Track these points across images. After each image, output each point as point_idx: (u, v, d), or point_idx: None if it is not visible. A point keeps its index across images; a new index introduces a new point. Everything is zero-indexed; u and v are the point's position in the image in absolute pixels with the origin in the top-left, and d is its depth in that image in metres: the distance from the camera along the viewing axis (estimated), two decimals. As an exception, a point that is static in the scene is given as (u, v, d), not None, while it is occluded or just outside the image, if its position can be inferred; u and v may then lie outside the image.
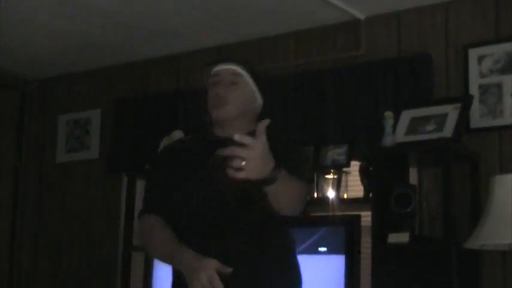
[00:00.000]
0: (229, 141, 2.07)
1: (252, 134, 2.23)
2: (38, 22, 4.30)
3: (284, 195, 2.21)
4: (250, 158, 1.99)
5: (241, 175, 2.00)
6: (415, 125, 3.59)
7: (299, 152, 2.61)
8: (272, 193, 2.17)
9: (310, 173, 2.61)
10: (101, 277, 4.82)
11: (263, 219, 2.34)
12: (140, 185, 4.48)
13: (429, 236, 3.63)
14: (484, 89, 3.66)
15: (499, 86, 3.63)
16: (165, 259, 2.42)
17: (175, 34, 4.45)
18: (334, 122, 3.99)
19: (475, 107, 3.62)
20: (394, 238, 3.41)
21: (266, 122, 2.05)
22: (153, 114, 4.68)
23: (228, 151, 2.01)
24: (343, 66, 4.06)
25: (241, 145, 1.99)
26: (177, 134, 4.30)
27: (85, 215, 4.99)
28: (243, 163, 1.99)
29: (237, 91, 2.46)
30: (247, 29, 4.32)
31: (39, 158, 5.31)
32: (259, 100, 2.53)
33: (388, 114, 3.57)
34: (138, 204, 4.40)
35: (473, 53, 3.71)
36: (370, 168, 3.71)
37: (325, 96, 4.03)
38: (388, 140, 3.54)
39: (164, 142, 4.33)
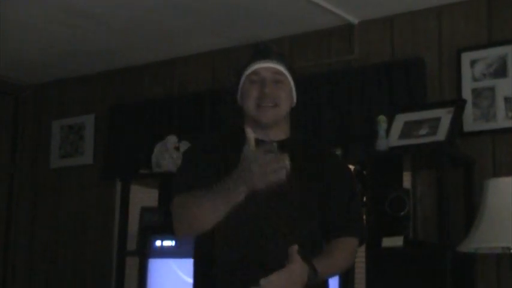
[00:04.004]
0: (269, 147, 1.97)
1: (288, 140, 2.21)
2: (32, 28, 4.30)
3: (333, 273, 2.22)
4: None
5: None
6: (408, 129, 3.59)
7: (356, 196, 2.35)
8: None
9: (364, 229, 2.37)
10: (95, 282, 4.81)
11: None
12: (134, 191, 4.48)
13: (423, 240, 3.64)
14: (477, 93, 3.67)
15: (492, 90, 3.64)
16: (216, 207, 2.07)
17: (169, 39, 4.45)
18: (328, 126, 3.99)
19: (468, 110, 3.63)
20: (388, 242, 3.41)
21: (295, 247, 2.01)
22: (147, 119, 4.67)
23: None
24: (337, 71, 4.07)
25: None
26: (172, 139, 4.31)
27: (79, 220, 4.98)
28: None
29: (284, 91, 2.25)
30: (241, 34, 4.32)
31: (34, 164, 5.31)
32: (294, 100, 2.32)
33: (382, 118, 3.57)
34: (132, 209, 4.41)
35: (466, 57, 3.72)
36: (364, 172, 3.71)
37: (320, 101, 4.04)
38: (381, 144, 3.54)
39: (158, 148, 4.33)
